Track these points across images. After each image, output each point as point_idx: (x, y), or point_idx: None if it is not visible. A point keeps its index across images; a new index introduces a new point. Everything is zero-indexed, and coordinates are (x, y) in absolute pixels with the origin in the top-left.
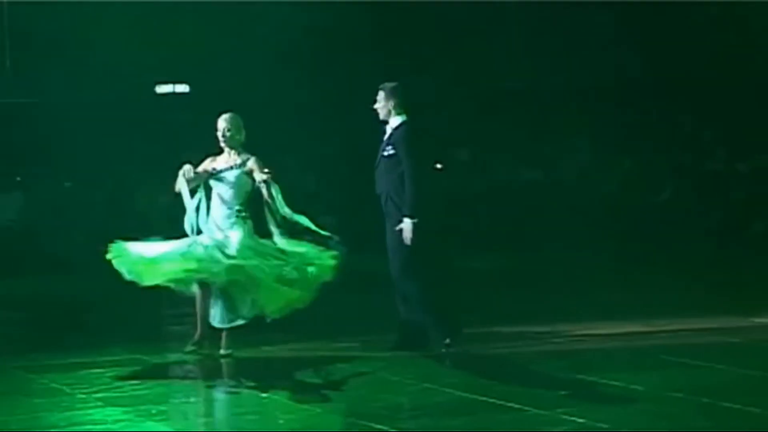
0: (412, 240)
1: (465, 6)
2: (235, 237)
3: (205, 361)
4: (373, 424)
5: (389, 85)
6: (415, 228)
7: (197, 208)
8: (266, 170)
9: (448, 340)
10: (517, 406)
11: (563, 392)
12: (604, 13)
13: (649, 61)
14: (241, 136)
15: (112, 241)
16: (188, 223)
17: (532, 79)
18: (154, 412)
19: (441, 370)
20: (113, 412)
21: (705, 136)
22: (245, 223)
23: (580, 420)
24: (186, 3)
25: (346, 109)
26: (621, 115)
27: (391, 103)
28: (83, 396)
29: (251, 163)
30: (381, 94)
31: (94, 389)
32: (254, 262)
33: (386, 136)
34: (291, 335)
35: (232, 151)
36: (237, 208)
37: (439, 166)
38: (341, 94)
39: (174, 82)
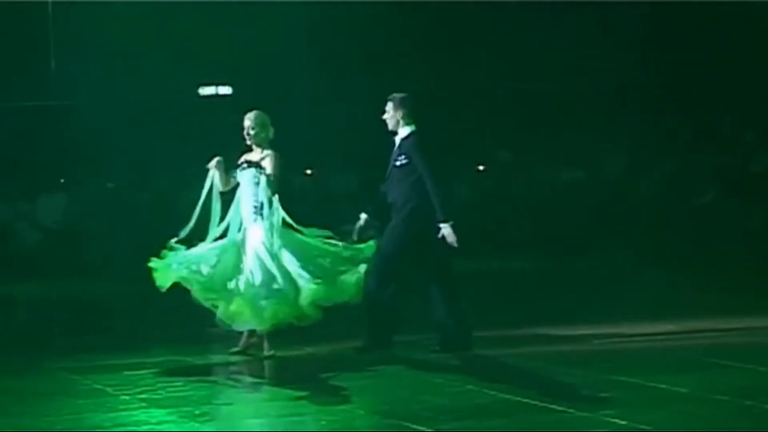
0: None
1: (502, 6)
2: (251, 238)
3: (248, 363)
4: (414, 426)
5: (398, 95)
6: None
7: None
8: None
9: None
10: (558, 407)
11: (604, 394)
12: (646, 13)
13: (690, 61)
14: (268, 133)
15: (156, 249)
16: (188, 225)
17: (574, 80)
18: (197, 413)
19: (483, 371)
20: (157, 414)
21: (747, 138)
22: (265, 219)
23: (622, 422)
24: (229, 4)
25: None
26: (662, 116)
27: (399, 114)
28: (127, 397)
29: (266, 160)
30: (390, 105)
31: (138, 390)
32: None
33: (396, 147)
34: (333, 335)
35: (258, 149)
36: (256, 204)
37: (481, 167)
38: (386, 94)
39: (217, 84)
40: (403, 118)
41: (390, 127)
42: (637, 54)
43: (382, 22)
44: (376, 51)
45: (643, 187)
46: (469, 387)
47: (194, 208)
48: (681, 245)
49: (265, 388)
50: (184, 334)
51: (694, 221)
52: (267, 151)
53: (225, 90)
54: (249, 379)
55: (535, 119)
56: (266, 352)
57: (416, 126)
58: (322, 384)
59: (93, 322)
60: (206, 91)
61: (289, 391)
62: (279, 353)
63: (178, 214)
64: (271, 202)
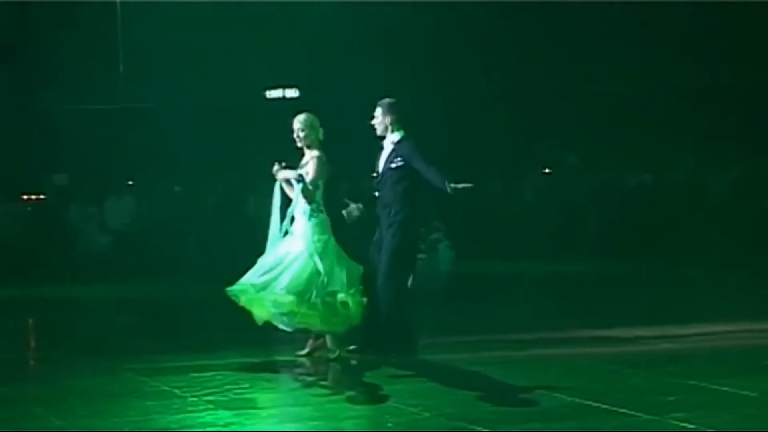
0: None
1: (570, 8)
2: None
3: (314, 364)
4: (480, 429)
5: (387, 101)
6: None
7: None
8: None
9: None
10: (626, 411)
11: (671, 397)
12: (713, 15)
13: (757, 63)
14: (317, 135)
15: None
16: (271, 232)
17: (641, 83)
18: (264, 415)
19: (548, 373)
20: (224, 415)
21: None
22: (311, 219)
23: (690, 426)
24: (296, 4)
25: (453, 111)
26: (730, 119)
27: (388, 119)
28: (194, 399)
29: (309, 164)
30: (378, 110)
31: (205, 392)
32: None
33: (388, 152)
34: None
35: (309, 151)
36: (305, 208)
37: (547, 170)
38: (453, 97)
39: (284, 87)
40: (391, 123)
41: (378, 132)
42: (705, 57)
43: (448, 25)
44: (442, 54)
45: (713, 190)
46: (535, 390)
47: (262, 213)
48: (748, 248)
49: (332, 389)
50: (251, 335)
51: (762, 224)
52: (314, 152)
53: (292, 93)
54: (314, 381)
55: (603, 122)
56: (332, 354)
57: (405, 132)
58: (388, 385)
59: (161, 324)
60: (273, 94)
61: (355, 393)
62: (344, 355)
63: (245, 217)
64: (318, 206)
